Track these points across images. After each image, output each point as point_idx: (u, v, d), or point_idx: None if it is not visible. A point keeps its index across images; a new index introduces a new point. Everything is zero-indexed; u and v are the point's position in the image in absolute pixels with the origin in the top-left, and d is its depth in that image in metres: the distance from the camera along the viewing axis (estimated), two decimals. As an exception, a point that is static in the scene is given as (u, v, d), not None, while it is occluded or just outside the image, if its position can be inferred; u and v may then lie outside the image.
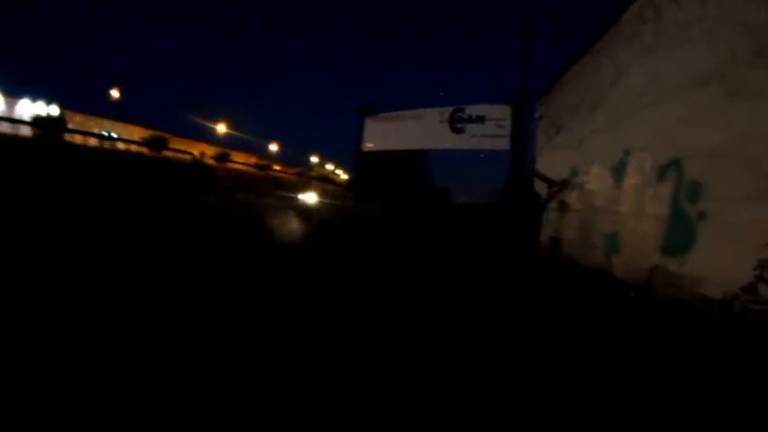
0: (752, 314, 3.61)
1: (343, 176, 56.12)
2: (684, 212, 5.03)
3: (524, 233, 10.63)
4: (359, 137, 15.67)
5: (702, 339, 3.69)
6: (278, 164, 46.92)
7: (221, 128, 52.41)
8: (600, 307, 5.05)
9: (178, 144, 35.05)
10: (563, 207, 9.15)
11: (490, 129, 12.42)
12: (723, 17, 4.71)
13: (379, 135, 15.20)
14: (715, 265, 4.26)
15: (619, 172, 6.83)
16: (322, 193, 26.03)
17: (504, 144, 12.15)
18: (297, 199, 23.84)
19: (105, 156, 23.28)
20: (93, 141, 29.93)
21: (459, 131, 12.97)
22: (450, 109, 13.20)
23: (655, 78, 6.02)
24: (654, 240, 5.64)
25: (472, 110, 12.81)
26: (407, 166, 28.65)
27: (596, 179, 7.69)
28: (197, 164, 14.86)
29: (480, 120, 12.58)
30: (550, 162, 10.15)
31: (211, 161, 29.36)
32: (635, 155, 6.42)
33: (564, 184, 9.22)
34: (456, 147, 13.28)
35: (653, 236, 5.68)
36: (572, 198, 8.75)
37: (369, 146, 15.47)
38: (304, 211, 17.09)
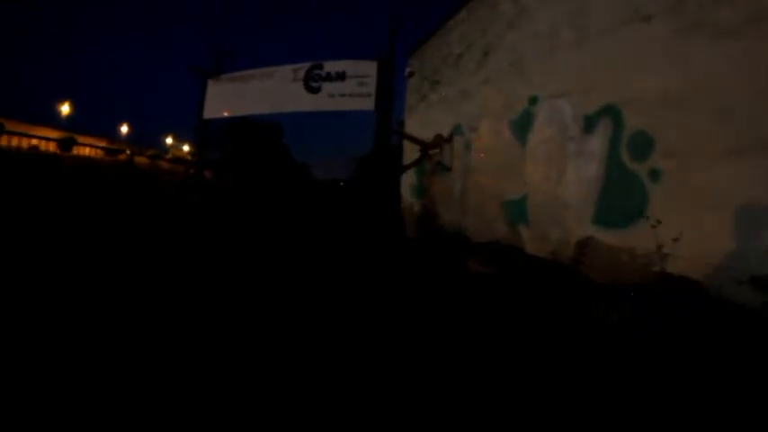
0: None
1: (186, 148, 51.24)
2: (627, 172, 4.09)
3: (387, 209, 9.11)
4: (200, 103, 12.86)
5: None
6: (129, 147, 41.00)
7: (65, 109, 44.16)
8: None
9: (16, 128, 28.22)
10: (442, 171, 7.81)
11: (352, 87, 10.62)
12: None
13: (224, 99, 12.74)
14: (680, 236, 3.35)
15: (522, 125, 5.69)
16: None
17: (368, 104, 10.39)
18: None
19: None
20: None
21: (315, 91, 11.03)
22: (306, 65, 11.20)
23: (575, 16, 4.92)
24: (582, 208, 4.59)
25: (332, 66, 10.89)
26: (261, 138, 25.78)
27: (490, 135, 6.45)
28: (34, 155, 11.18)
29: (340, 77, 10.76)
30: (425, 122, 8.80)
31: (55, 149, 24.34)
32: (547, 104, 5.30)
33: (440, 145, 7.89)
34: (312, 108, 11.29)
35: (580, 202, 4.62)
36: (455, 160, 7.39)
37: (211, 112, 12.76)
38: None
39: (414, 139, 8.63)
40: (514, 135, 5.83)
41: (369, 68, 10.26)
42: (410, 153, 9.03)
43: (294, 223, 8.82)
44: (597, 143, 4.48)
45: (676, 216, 3.48)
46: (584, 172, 4.63)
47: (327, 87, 10.70)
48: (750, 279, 3.02)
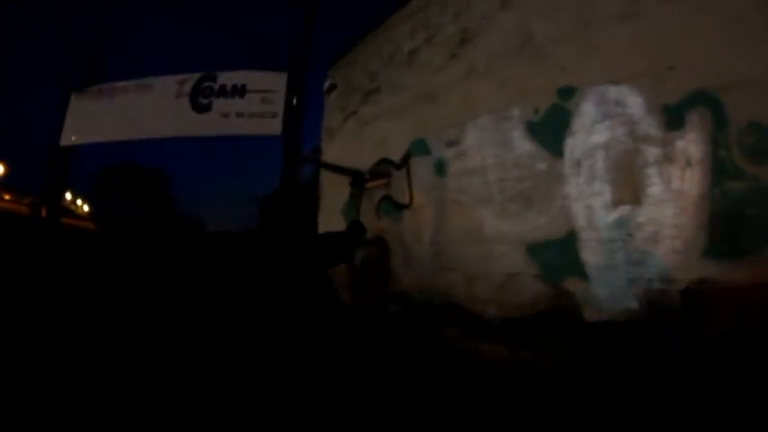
0: None
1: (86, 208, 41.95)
2: (748, 178, 2.68)
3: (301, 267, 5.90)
4: (60, 123, 9.13)
5: None
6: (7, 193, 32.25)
7: None
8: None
9: None
10: (392, 210, 5.52)
11: (253, 105, 7.99)
12: None
13: (87, 120, 9.02)
14: None
15: (552, 128, 3.77)
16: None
17: (273, 127, 7.83)
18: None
19: None
20: None
21: (204, 109, 8.18)
22: (194, 76, 8.31)
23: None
24: (684, 237, 2.92)
25: (228, 78, 8.17)
26: (141, 189, 21.25)
27: (487, 148, 4.37)
28: None
29: (238, 92, 8.09)
30: (355, 146, 6.46)
31: None
32: (593, 94, 3.49)
33: (387, 174, 5.60)
34: (200, 132, 8.34)
35: (680, 229, 2.94)
36: (417, 191, 5.21)
37: (72, 139, 9.07)
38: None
39: (340, 170, 6.29)
40: (538, 143, 3.86)
41: (275, 81, 7.87)
42: (331, 189, 6.77)
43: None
44: (693, 143, 2.92)
45: None
46: (681, 185, 2.99)
47: (221, 105, 8.06)
48: None
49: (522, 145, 3.94)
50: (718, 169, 2.78)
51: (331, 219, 6.51)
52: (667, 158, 3.00)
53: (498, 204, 4.11)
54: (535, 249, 3.77)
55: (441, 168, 4.73)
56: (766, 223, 2.61)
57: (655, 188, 3.06)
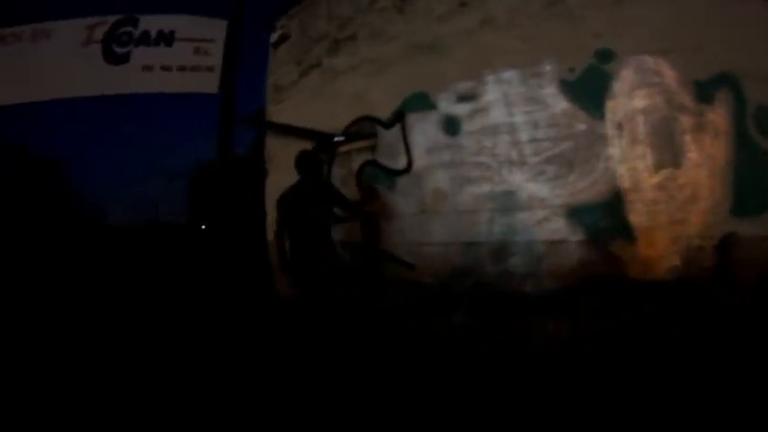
0: None
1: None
2: (760, 150, 3.23)
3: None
4: None
5: None
6: None
7: None
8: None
9: None
10: (384, 176, 4.69)
11: (184, 56, 6.38)
12: None
13: None
14: None
15: (592, 89, 3.70)
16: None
17: (209, 84, 6.29)
18: None
19: None
20: None
21: (120, 60, 6.39)
22: (108, 20, 6.50)
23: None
24: (717, 197, 3.32)
25: (152, 22, 6.52)
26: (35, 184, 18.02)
27: (514, 104, 3.98)
28: None
29: (165, 40, 6.45)
30: (318, 104, 5.57)
31: None
32: (634, 61, 3.56)
33: (371, 133, 4.71)
34: (115, 90, 6.48)
35: (713, 190, 3.32)
36: (417, 152, 4.52)
37: None
38: None
39: (301, 132, 5.47)
40: (576, 102, 3.82)
41: (212, 29, 6.47)
42: (284, 159, 5.44)
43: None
44: (719, 116, 3.35)
45: None
46: (712, 152, 3.38)
47: (142, 56, 6.39)
48: None
49: (558, 103, 4.00)
50: (739, 140, 3.35)
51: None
52: (701, 128, 3.48)
53: (533, 167, 4.14)
54: (580, 213, 3.84)
55: (452, 126, 4.63)
56: None
57: (692, 154, 3.49)
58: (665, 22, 3.60)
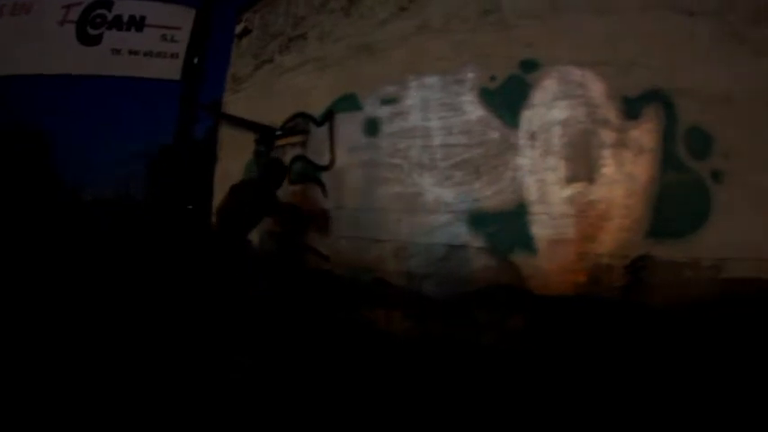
0: None
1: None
2: (688, 171, 2.99)
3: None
4: None
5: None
6: None
7: None
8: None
9: None
10: (310, 171, 4.78)
11: (152, 42, 6.41)
12: None
13: None
14: (746, 238, 2.82)
15: (510, 98, 3.54)
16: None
17: (172, 70, 6.34)
18: None
19: None
20: None
21: (92, 42, 6.38)
22: (85, 2, 6.46)
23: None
24: (633, 216, 3.12)
25: (125, 6, 6.47)
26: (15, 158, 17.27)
27: (433, 109, 3.93)
28: None
29: (135, 25, 6.43)
30: (266, 98, 5.61)
31: None
32: (557, 72, 3.38)
33: (304, 130, 4.80)
34: (86, 70, 6.49)
35: (630, 209, 3.13)
36: (340, 151, 4.57)
37: None
38: None
39: (245, 123, 5.46)
40: (492, 110, 3.62)
41: (181, 17, 6.42)
42: (233, 148, 5.94)
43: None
44: (646, 133, 3.09)
45: (740, 218, 2.83)
46: (632, 169, 3.13)
47: (113, 39, 6.36)
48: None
49: (474, 111, 3.66)
50: (666, 160, 3.02)
51: (230, 181, 5.59)
52: (622, 144, 3.12)
53: (441, 171, 3.77)
54: (482, 220, 3.54)
55: (373, 127, 4.25)
56: (699, 210, 2.88)
57: (608, 169, 3.14)
58: (601, 35, 3.31)
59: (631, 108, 3.12)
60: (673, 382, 2.72)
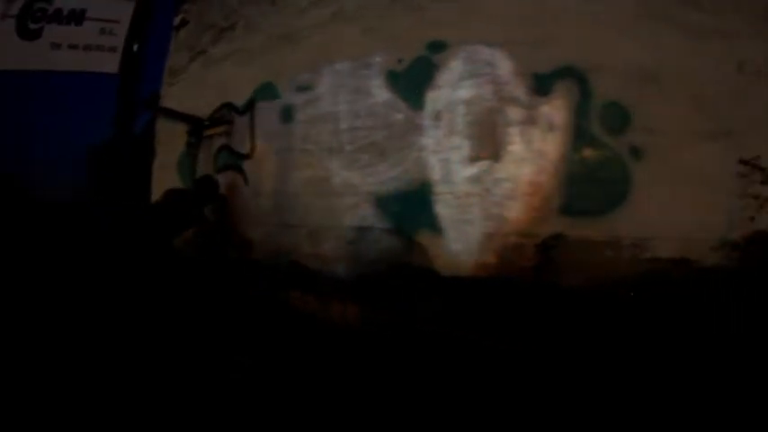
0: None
1: None
2: (604, 147, 2.91)
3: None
4: None
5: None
6: None
7: None
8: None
9: None
10: (233, 160, 4.82)
11: (90, 35, 6.27)
12: None
13: None
14: (668, 217, 2.75)
15: (415, 80, 3.52)
16: None
17: (110, 64, 6.22)
18: None
19: None
20: None
21: (33, 36, 6.24)
22: None
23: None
24: (542, 194, 3.04)
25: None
26: None
27: (343, 94, 3.96)
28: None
29: (75, 18, 6.28)
30: (199, 90, 5.59)
31: None
32: (464, 52, 3.35)
33: (229, 120, 4.89)
34: (24, 65, 6.38)
35: (538, 186, 3.06)
36: (260, 141, 4.63)
37: None
38: None
39: (178, 116, 5.38)
40: (398, 93, 3.57)
41: (120, 10, 6.29)
42: (168, 140, 5.83)
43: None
44: (558, 110, 3.00)
45: (663, 196, 2.75)
46: (542, 146, 3.05)
47: (53, 33, 6.22)
48: (722, 244, 2.52)
49: (381, 94, 3.57)
50: (579, 136, 2.87)
51: (166, 175, 5.53)
52: (531, 121, 2.99)
53: (348, 154, 3.63)
54: (387, 202, 3.45)
55: (288, 115, 4.12)
56: (616, 187, 2.76)
57: (516, 147, 3.02)
58: (514, 14, 3.22)
59: (542, 85, 2.98)
60: (584, 364, 2.70)
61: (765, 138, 2.58)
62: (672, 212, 2.69)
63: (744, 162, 2.55)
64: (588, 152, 2.86)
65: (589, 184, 2.86)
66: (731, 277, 2.49)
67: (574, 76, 2.90)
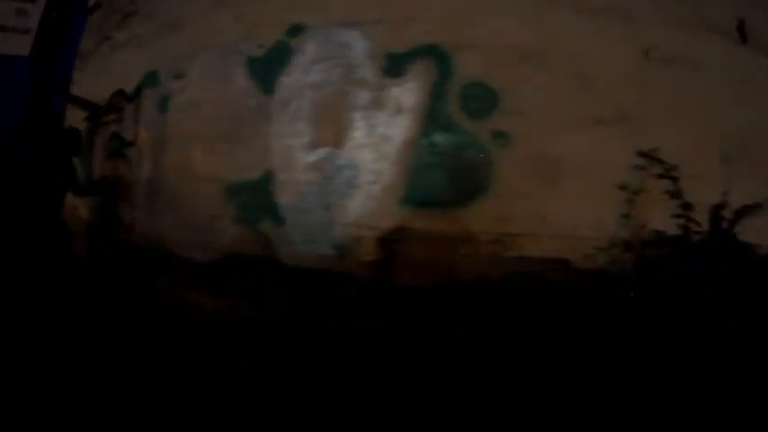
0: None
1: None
2: (462, 133, 2.67)
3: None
4: None
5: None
6: None
7: None
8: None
9: None
10: (120, 148, 4.76)
11: (5, 16, 6.04)
12: None
13: None
14: (542, 211, 2.54)
15: (271, 66, 3.45)
16: None
17: (21, 46, 6.05)
18: None
19: None
20: None
21: None
22: None
23: None
24: (384, 183, 2.82)
25: None
26: None
27: (209, 82, 3.91)
28: None
29: None
30: (101, 75, 5.46)
31: None
32: (320, 35, 3.25)
33: (120, 108, 4.81)
34: None
35: (380, 175, 2.83)
36: (142, 129, 4.54)
37: None
38: None
39: (79, 102, 5.30)
40: (255, 80, 3.55)
41: None
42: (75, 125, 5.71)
43: None
44: (409, 92, 2.78)
45: (535, 188, 2.53)
46: (386, 131, 2.83)
47: None
48: (611, 244, 2.34)
49: (240, 81, 3.57)
50: (433, 120, 2.69)
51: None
52: (377, 104, 2.86)
53: (208, 142, 3.68)
54: (234, 190, 3.47)
55: (164, 103, 4.16)
56: (473, 177, 2.60)
57: (358, 132, 2.91)
58: None
59: (395, 65, 2.83)
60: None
61: (668, 128, 2.48)
62: (547, 206, 2.52)
63: (642, 154, 2.40)
64: (440, 137, 2.67)
65: (440, 172, 2.69)
66: (620, 283, 2.37)
67: (434, 54, 2.75)
